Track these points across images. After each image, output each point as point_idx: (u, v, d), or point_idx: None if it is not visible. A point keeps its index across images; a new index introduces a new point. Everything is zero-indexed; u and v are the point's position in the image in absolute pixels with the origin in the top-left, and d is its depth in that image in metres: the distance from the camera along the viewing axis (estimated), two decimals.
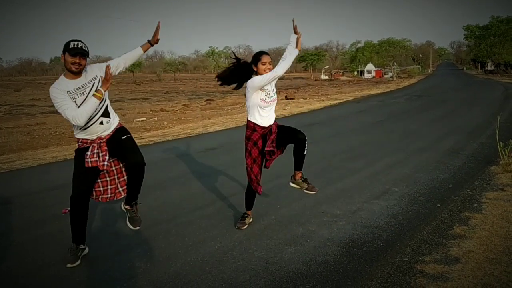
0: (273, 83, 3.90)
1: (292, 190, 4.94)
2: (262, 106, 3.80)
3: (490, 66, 70.04)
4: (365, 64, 77.81)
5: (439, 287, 2.80)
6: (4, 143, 11.32)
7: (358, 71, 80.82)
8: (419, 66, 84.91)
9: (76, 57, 3.13)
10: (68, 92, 3.17)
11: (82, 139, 3.33)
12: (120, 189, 3.59)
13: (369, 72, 74.45)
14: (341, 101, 20.41)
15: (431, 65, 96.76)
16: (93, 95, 3.20)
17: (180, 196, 5.10)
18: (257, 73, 3.80)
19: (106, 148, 3.31)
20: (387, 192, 5.00)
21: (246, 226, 4.03)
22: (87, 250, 3.55)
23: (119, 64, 3.46)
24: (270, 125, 3.86)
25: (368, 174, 5.84)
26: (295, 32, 3.99)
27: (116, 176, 3.54)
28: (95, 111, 3.23)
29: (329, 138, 9.44)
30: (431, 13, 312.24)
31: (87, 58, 3.23)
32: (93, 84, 3.27)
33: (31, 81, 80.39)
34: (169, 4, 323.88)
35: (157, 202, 4.86)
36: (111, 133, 3.38)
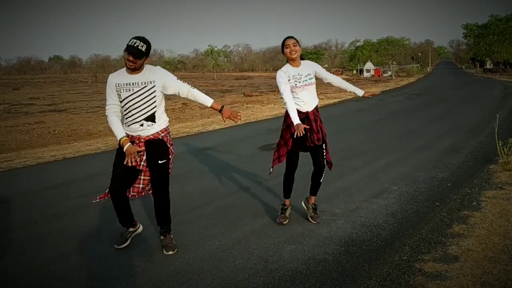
0: (312, 68, 3.90)
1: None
2: (295, 91, 3.80)
3: (489, 65, 70.12)
4: (364, 63, 77.80)
5: (438, 285, 2.81)
6: (3, 142, 11.30)
7: (357, 70, 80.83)
8: (418, 64, 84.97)
9: (129, 55, 3.16)
10: (117, 85, 3.27)
11: (127, 133, 3.39)
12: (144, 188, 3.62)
13: (368, 70, 74.46)
14: (340, 99, 20.42)
15: (430, 64, 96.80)
16: (122, 139, 3.26)
17: (179, 194, 5.09)
18: (288, 60, 3.82)
19: (144, 148, 3.33)
20: (386, 190, 5.00)
21: (288, 220, 4.01)
22: (140, 229, 3.74)
23: (181, 89, 3.39)
24: (308, 112, 3.84)
25: (367, 173, 5.84)
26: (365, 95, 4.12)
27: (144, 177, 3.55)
28: (137, 113, 3.30)
29: (328, 136, 9.42)
30: (430, 12, 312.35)
31: (145, 57, 3.23)
32: (145, 87, 3.28)
33: (30, 79, 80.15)
34: (168, 3, 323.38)
35: None
36: (152, 137, 3.37)
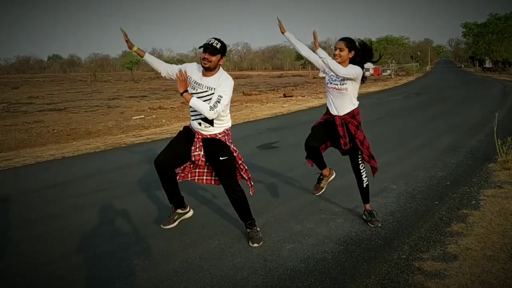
0: (337, 71, 3.67)
1: (290, 188, 4.95)
2: (329, 90, 3.84)
3: (488, 64, 70.10)
4: None
5: (437, 284, 2.81)
6: (2, 141, 11.29)
7: None
8: (418, 63, 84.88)
9: (205, 52, 3.25)
10: (189, 77, 3.40)
11: (191, 123, 3.52)
12: (199, 177, 3.78)
13: (367, 69, 74.17)
14: None
15: (429, 63, 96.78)
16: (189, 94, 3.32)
17: None
18: None
19: (201, 144, 3.45)
20: (385, 189, 5.00)
21: (323, 190, 4.08)
22: (190, 213, 3.83)
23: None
24: (338, 116, 3.80)
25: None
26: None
27: (197, 170, 3.71)
28: (197, 111, 3.37)
29: None
30: (430, 11, 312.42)
31: (220, 55, 3.29)
32: (205, 91, 3.35)
33: (29, 78, 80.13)
34: (167, 3, 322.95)
35: (155, 199, 4.86)
36: (209, 137, 3.45)
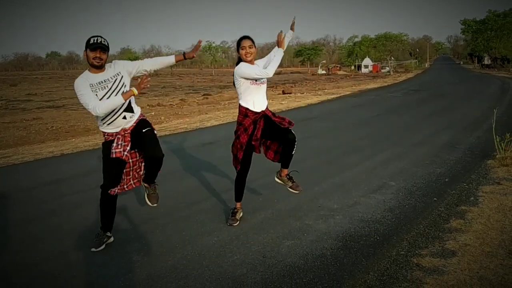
0: (261, 65, 3.86)
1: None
2: (254, 89, 3.77)
3: (487, 61, 70.18)
4: (362, 59, 77.77)
5: (436, 280, 2.82)
6: (1, 138, 11.28)
7: (355, 66, 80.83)
8: (416, 60, 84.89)
9: (96, 51, 3.23)
10: (91, 85, 3.30)
11: (108, 132, 3.45)
12: (132, 182, 3.68)
13: (366, 66, 74.39)
14: (338, 95, 20.41)
15: (428, 60, 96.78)
16: (123, 93, 3.31)
17: (177, 190, 5.09)
18: (241, 60, 3.76)
19: (129, 139, 3.43)
20: (384, 186, 5.01)
21: (238, 222, 3.95)
22: (112, 239, 3.66)
23: (144, 65, 3.51)
24: (263, 111, 3.83)
25: (364, 168, 5.84)
26: (291, 29, 4.02)
27: (131, 168, 3.62)
28: (117, 107, 3.33)
29: (326, 132, 9.44)
30: (428, 8, 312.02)
31: (108, 52, 3.33)
32: (116, 80, 3.36)
33: (27, 76, 80.00)
34: (167, 2, 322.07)
35: None
36: (134, 124, 3.48)
